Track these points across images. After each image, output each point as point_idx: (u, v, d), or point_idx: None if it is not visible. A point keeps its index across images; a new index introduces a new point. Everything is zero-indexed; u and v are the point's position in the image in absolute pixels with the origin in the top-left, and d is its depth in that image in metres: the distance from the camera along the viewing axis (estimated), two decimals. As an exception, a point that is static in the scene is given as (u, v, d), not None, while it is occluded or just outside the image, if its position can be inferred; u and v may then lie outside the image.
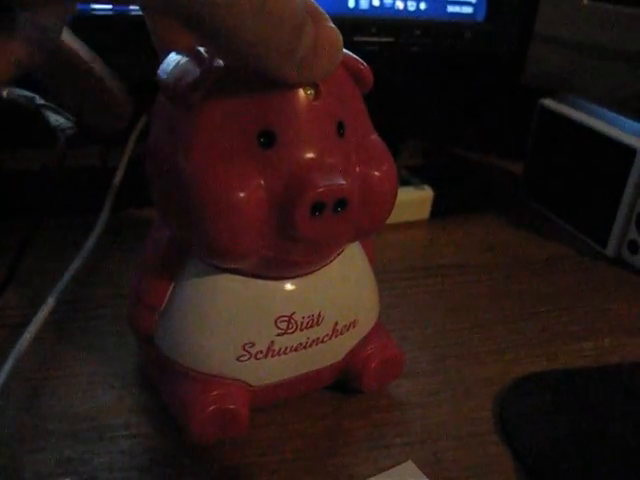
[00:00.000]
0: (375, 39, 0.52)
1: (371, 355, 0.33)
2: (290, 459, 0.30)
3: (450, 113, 0.69)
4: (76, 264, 0.38)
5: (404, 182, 0.54)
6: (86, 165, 0.52)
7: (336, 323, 0.31)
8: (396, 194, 0.29)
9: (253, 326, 0.29)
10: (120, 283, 0.42)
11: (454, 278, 0.46)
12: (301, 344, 0.30)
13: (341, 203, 0.25)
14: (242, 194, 0.25)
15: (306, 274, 0.29)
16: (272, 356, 0.30)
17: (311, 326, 0.30)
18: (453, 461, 0.31)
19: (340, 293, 0.31)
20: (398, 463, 0.30)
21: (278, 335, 0.29)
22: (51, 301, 0.35)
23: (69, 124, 0.36)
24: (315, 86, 0.26)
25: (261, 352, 0.29)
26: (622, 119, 0.49)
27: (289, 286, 0.29)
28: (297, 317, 0.29)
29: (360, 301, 0.33)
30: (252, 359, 0.29)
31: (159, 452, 0.30)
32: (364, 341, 0.33)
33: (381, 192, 0.28)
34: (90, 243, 0.40)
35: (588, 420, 0.33)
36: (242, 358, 0.29)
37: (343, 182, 0.25)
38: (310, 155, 0.25)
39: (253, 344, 0.29)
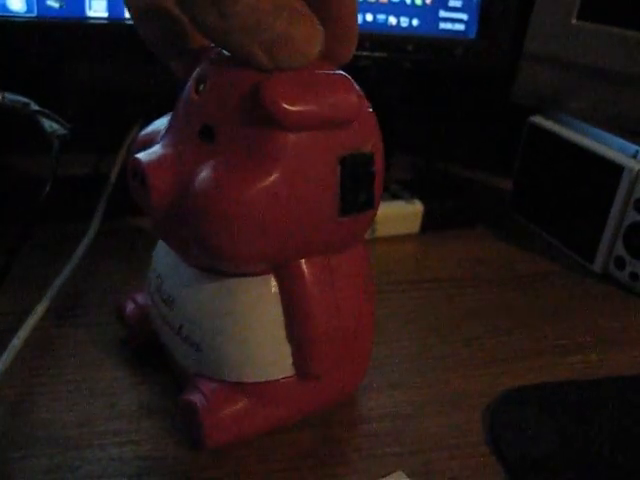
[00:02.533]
0: (368, 54, 0.53)
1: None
2: (281, 469, 0.30)
3: (441, 129, 0.70)
4: (67, 271, 0.38)
5: (395, 196, 0.54)
6: (78, 172, 0.52)
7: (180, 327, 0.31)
8: (213, 218, 0.26)
9: None
10: (110, 290, 0.42)
11: (444, 292, 0.46)
12: None
13: (137, 175, 0.28)
14: None
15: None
16: None
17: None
18: (443, 472, 0.31)
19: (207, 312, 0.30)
20: (388, 473, 0.30)
21: None
22: (41, 308, 0.35)
23: (64, 130, 0.36)
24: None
25: None
26: (610, 137, 0.50)
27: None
28: None
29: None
30: None
31: (149, 459, 0.30)
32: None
33: (193, 205, 0.26)
34: (81, 250, 0.40)
35: (576, 432, 0.34)
36: None
37: (143, 160, 0.27)
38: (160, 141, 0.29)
39: None
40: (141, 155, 0.28)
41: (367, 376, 0.36)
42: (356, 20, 0.28)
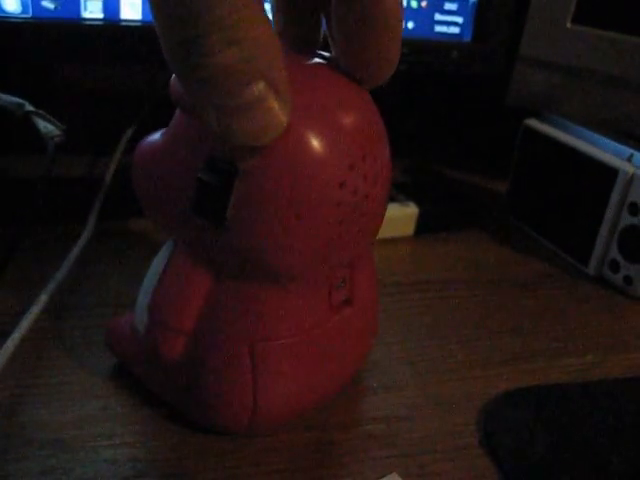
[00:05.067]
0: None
1: None
2: (275, 471, 0.30)
3: (436, 131, 0.70)
4: (61, 273, 0.38)
5: (389, 198, 0.54)
6: (73, 173, 0.51)
7: None
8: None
9: None
10: (105, 292, 0.42)
11: (438, 294, 0.46)
12: None
13: None
14: None
15: None
16: None
17: None
18: (438, 474, 0.31)
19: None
20: (383, 476, 0.30)
21: None
22: (35, 309, 0.35)
23: (58, 132, 0.36)
24: None
25: None
26: (605, 140, 0.50)
27: None
28: None
29: None
30: None
31: (143, 462, 0.30)
32: None
33: None
34: (76, 252, 0.40)
35: (571, 435, 0.34)
36: None
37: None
38: None
39: None
40: None
41: (362, 378, 0.36)
42: (398, 48, 0.26)
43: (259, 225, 0.26)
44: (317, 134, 0.26)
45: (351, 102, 0.27)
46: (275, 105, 0.22)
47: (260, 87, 0.21)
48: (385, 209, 0.31)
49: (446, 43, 0.56)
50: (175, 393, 0.32)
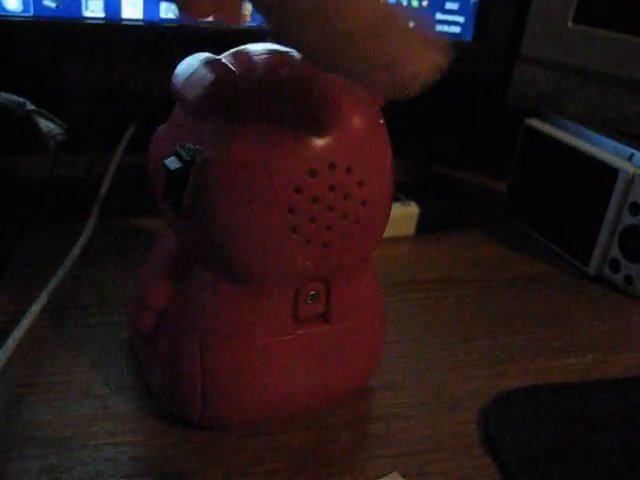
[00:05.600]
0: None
1: None
2: (276, 470, 0.30)
3: (437, 131, 0.70)
4: (62, 272, 0.38)
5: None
6: (74, 172, 0.51)
7: None
8: None
9: None
10: (106, 291, 0.42)
11: (439, 293, 0.46)
12: None
13: None
14: None
15: None
16: None
17: None
18: (439, 473, 0.31)
19: None
20: (384, 475, 0.30)
21: None
22: (36, 308, 0.35)
23: (60, 130, 0.36)
24: None
25: None
26: (605, 140, 0.50)
27: None
28: None
29: None
30: None
31: (143, 460, 0.30)
32: None
33: None
34: (76, 251, 0.40)
35: (571, 434, 0.34)
36: None
37: None
38: None
39: None
40: None
41: (363, 377, 0.36)
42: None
43: (214, 217, 0.27)
44: (279, 134, 0.26)
45: (335, 113, 0.27)
46: (419, 50, 0.22)
47: (398, 38, 0.22)
48: (377, 236, 0.30)
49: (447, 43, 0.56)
50: (148, 372, 0.33)
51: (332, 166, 0.26)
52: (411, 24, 0.23)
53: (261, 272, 0.28)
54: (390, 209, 0.31)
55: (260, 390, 0.31)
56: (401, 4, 0.24)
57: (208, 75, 0.27)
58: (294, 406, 0.32)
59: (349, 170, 0.27)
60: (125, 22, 0.45)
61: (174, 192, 0.27)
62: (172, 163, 0.27)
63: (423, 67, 0.22)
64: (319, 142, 0.26)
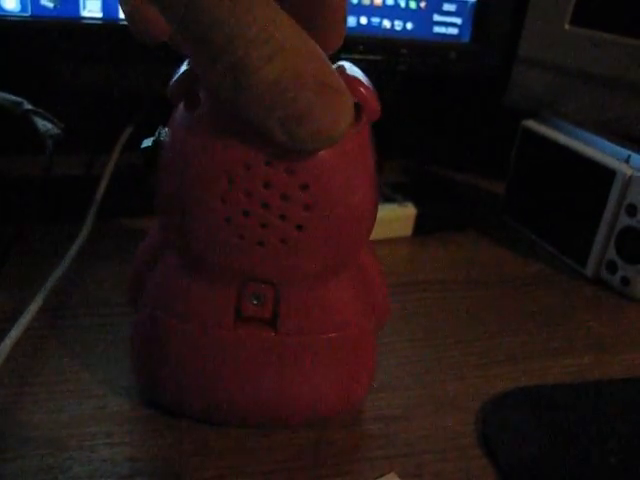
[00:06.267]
0: (362, 57, 0.53)
1: None
2: (273, 470, 0.30)
3: (434, 132, 0.70)
4: (58, 272, 0.38)
5: (387, 199, 0.54)
6: (71, 172, 0.51)
7: None
8: None
9: None
10: (103, 292, 0.41)
11: (436, 294, 0.46)
12: None
13: None
14: None
15: None
16: None
17: None
18: (436, 474, 0.31)
19: None
20: (381, 475, 0.30)
21: None
22: (33, 308, 0.35)
23: (57, 130, 0.36)
24: None
25: None
26: (602, 141, 0.50)
27: None
28: None
29: None
30: None
31: (140, 461, 0.30)
32: None
33: None
34: (73, 251, 0.40)
35: (569, 435, 0.34)
36: None
37: None
38: None
39: None
40: None
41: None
42: (345, 8, 0.27)
43: (162, 197, 0.28)
44: (223, 125, 0.26)
45: None
46: (333, 99, 0.23)
47: (310, 88, 0.22)
48: (341, 250, 0.29)
49: (445, 44, 0.56)
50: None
51: (269, 163, 0.26)
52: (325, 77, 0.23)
53: (201, 258, 0.28)
54: (369, 225, 0.30)
55: (188, 376, 0.31)
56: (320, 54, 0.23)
57: (183, 67, 0.28)
58: (231, 411, 0.32)
59: (290, 171, 0.26)
60: (123, 22, 0.45)
61: (145, 172, 0.29)
62: (146, 142, 0.29)
63: (337, 119, 0.23)
64: (259, 138, 0.26)
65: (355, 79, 0.27)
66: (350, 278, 0.31)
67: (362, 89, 0.27)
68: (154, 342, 0.31)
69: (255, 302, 0.30)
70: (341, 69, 0.28)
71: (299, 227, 0.27)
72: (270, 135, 0.23)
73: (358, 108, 0.27)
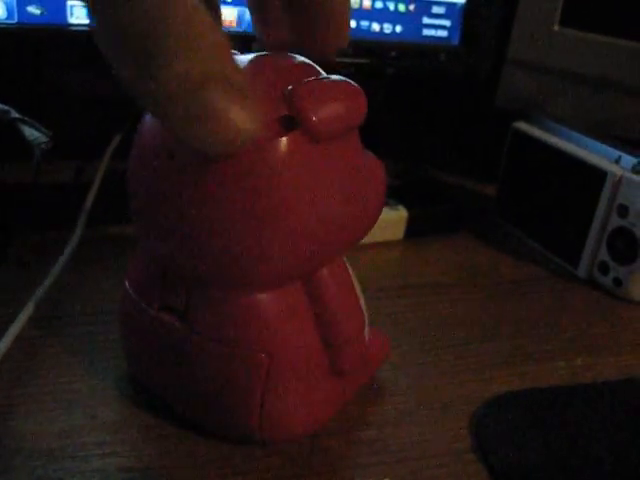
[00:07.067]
0: (351, 60, 0.53)
1: None
2: (267, 478, 0.30)
3: (424, 134, 0.70)
4: (50, 279, 0.38)
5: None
6: (61, 179, 0.51)
7: None
8: None
9: None
10: (93, 300, 0.41)
11: (428, 298, 0.46)
12: None
13: None
14: None
15: None
16: None
17: None
18: (430, 479, 0.31)
19: None
20: (375, 482, 0.30)
21: None
22: (23, 317, 0.35)
23: (45, 139, 0.36)
24: None
25: None
26: (593, 142, 0.50)
27: None
28: None
29: None
30: None
31: (132, 471, 0.29)
32: None
33: None
34: (64, 259, 0.40)
35: (563, 438, 0.34)
36: None
37: None
38: None
39: None
40: None
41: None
42: (349, 10, 0.27)
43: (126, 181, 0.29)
44: None
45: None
46: (233, 112, 0.22)
47: (212, 93, 0.21)
48: (238, 262, 0.27)
49: (434, 46, 0.56)
50: None
51: (170, 156, 0.26)
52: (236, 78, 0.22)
53: (138, 238, 0.30)
54: (312, 244, 0.27)
55: (139, 353, 0.33)
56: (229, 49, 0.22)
57: None
58: (166, 397, 0.32)
59: (181, 168, 0.26)
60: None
61: None
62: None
63: (246, 121, 0.22)
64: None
65: (298, 88, 0.25)
66: (282, 297, 0.29)
67: (302, 101, 0.25)
68: (123, 317, 0.33)
69: (172, 290, 0.30)
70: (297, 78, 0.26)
71: (193, 227, 0.26)
72: (170, 130, 0.23)
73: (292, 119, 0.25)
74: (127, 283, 0.32)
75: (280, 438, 0.31)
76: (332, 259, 0.30)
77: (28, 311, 0.35)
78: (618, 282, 0.48)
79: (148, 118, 0.28)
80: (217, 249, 0.26)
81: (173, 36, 0.20)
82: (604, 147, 0.49)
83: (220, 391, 0.30)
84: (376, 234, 0.52)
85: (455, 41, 0.56)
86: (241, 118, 0.22)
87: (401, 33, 0.54)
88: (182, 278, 0.29)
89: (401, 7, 0.54)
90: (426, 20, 0.55)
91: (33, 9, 0.43)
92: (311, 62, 0.28)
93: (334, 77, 0.27)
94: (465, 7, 0.56)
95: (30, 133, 0.36)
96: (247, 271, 0.27)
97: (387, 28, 0.54)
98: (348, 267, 0.32)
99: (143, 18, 0.20)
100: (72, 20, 0.44)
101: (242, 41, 0.29)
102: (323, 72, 0.28)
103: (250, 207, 0.25)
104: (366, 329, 0.32)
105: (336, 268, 0.30)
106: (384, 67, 0.54)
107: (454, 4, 0.55)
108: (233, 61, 0.22)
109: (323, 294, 0.30)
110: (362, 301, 0.33)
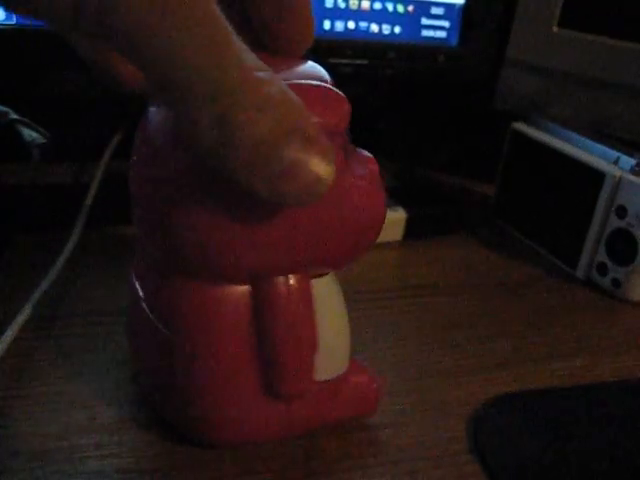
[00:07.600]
0: (350, 61, 0.53)
1: None
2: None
3: (424, 135, 0.70)
4: (47, 281, 0.38)
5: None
6: (59, 181, 0.51)
7: None
8: None
9: None
10: (92, 301, 0.41)
11: (427, 299, 0.46)
12: None
13: None
14: None
15: None
16: None
17: None
18: (428, 481, 0.31)
19: None
20: (373, 483, 0.30)
21: None
22: (21, 318, 0.35)
23: (43, 140, 0.36)
24: None
25: None
26: (591, 143, 0.50)
27: None
28: None
29: None
30: None
31: (130, 472, 0.29)
32: None
33: None
34: (62, 260, 0.40)
35: (561, 440, 0.34)
36: None
37: None
38: None
39: None
40: None
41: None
42: (310, 6, 0.26)
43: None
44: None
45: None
46: (316, 157, 0.21)
47: (297, 146, 0.21)
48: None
49: (433, 47, 0.56)
50: None
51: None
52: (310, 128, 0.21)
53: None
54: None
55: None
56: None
57: None
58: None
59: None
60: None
61: None
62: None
63: (321, 174, 0.22)
64: None
65: None
66: (225, 294, 0.27)
67: None
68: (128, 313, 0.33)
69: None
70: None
71: (152, 225, 0.27)
72: (253, 193, 0.22)
73: None
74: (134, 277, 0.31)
75: (203, 439, 0.31)
76: (296, 270, 0.27)
77: (27, 311, 0.35)
78: (617, 283, 0.48)
79: (148, 116, 0.28)
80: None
81: (249, 86, 0.20)
82: (603, 148, 0.49)
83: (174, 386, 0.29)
84: (375, 235, 0.52)
85: (454, 42, 0.56)
86: (322, 170, 0.22)
87: (400, 34, 0.54)
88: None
89: (400, 8, 0.54)
90: (425, 21, 0.55)
91: (32, 10, 0.43)
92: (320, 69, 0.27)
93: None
94: (464, 8, 0.56)
95: (29, 134, 0.36)
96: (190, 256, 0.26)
97: (386, 29, 0.54)
98: (331, 289, 0.30)
99: (212, 64, 0.20)
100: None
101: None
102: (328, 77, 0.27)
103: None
104: (344, 364, 0.31)
105: (298, 283, 0.27)
106: (383, 68, 0.54)
107: (453, 5, 0.55)
108: (302, 108, 0.21)
109: (266, 308, 0.27)
110: (345, 322, 0.31)
